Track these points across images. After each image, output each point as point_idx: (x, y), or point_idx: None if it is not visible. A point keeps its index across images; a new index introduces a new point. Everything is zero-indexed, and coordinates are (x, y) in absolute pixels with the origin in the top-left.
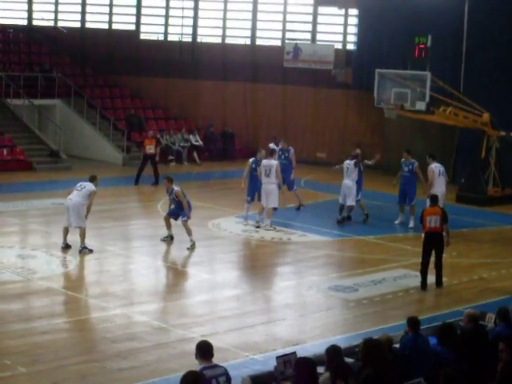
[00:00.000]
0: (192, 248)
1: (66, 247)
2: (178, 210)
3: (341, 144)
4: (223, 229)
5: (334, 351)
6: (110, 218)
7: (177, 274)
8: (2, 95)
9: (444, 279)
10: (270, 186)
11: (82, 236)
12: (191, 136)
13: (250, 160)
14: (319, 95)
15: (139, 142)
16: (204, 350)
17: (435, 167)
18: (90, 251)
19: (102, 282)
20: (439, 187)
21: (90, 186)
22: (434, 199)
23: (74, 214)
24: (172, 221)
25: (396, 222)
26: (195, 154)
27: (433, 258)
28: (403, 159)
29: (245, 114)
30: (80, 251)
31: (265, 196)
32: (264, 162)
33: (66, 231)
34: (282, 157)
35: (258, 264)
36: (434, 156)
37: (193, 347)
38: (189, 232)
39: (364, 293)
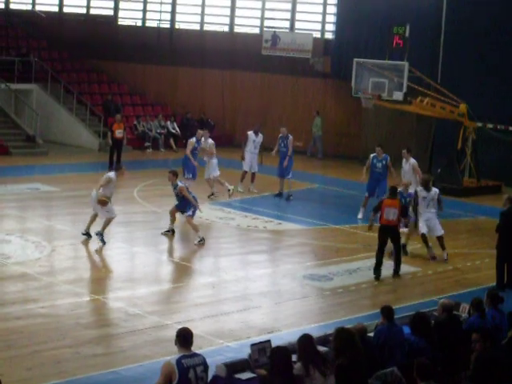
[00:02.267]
0: (200, 244)
1: (86, 235)
2: (185, 204)
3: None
4: (199, 216)
5: (305, 340)
6: (85, 204)
7: (152, 261)
8: None
9: (418, 269)
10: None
11: (106, 224)
12: (168, 123)
13: (193, 140)
14: (297, 84)
15: None
16: (184, 337)
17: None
18: (103, 242)
19: (77, 268)
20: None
21: (108, 174)
22: (394, 191)
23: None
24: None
25: (359, 217)
26: (172, 141)
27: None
28: (374, 154)
29: (222, 101)
30: (96, 234)
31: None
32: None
33: (92, 218)
34: (282, 144)
35: (233, 252)
36: (411, 150)
37: (167, 334)
38: (194, 228)
39: (339, 282)
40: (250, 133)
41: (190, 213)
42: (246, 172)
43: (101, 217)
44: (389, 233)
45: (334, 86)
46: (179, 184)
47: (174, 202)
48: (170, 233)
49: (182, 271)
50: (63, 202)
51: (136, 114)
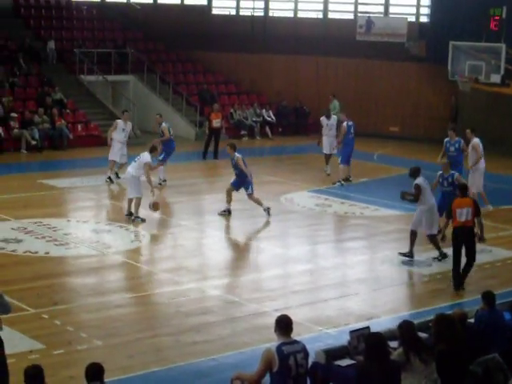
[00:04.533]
0: (268, 213)
1: (129, 214)
2: (241, 181)
3: (414, 118)
4: (296, 203)
5: (406, 326)
6: (182, 192)
7: (250, 249)
8: (76, 72)
9: None
10: None
11: (137, 206)
12: (263, 111)
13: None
14: (392, 68)
15: None
16: (284, 324)
17: (479, 141)
18: (143, 221)
19: (176, 257)
20: (483, 162)
21: (144, 158)
22: (464, 189)
23: (128, 184)
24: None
25: None
26: (268, 129)
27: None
28: (447, 138)
29: (317, 88)
30: (133, 220)
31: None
32: None
33: (128, 202)
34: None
35: (330, 239)
36: (475, 130)
37: (266, 321)
38: (259, 202)
39: (438, 268)
40: (322, 118)
41: (249, 191)
42: (327, 155)
43: (129, 197)
44: (464, 236)
45: (430, 70)
46: (236, 155)
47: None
48: (227, 213)
49: (279, 258)
50: (164, 191)
51: (231, 103)
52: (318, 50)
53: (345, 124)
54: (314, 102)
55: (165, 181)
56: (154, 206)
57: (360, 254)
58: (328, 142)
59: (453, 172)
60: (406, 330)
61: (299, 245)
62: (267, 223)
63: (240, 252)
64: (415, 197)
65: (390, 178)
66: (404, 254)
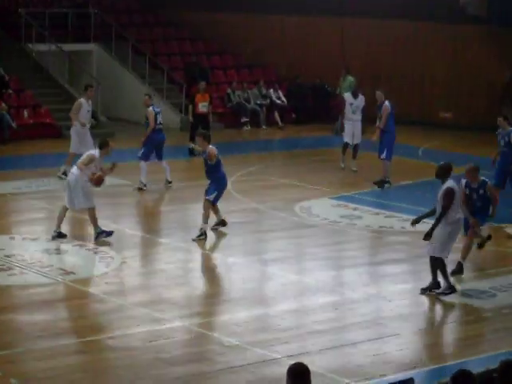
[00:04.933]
0: (199, 239)
1: (59, 236)
2: (217, 185)
3: (472, 100)
4: (315, 214)
5: (463, 378)
6: (162, 200)
7: (254, 275)
8: (21, 38)
9: None
10: None
11: (93, 218)
12: (271, 91)
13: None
14: (442, 34)
15: None
16: (299, 375)
17: None
18: (109, 234)
19: (155, 285)
20: None
21: (90, 152)
22: None
23: (74, 190)
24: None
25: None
26: (277, 115)
27: None
28: (500, 130)
29: (343, 60)
30: (96, 238)
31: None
32: None
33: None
34: (379, 114)
35: (361, 261)
36: (508, 118)
37: (276, 371)
38: (206, 215)
39: (504, 299)
40: (347, 95)
41: (209, 196)
42: (347, 144)
43: (77, 208)
44: None
45: (493, 36)
46: (210, 147)
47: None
48: (220, 226)
49: (293, 288)
50: (134, 198)
51: (229, 80)
52: (343, 8)
53: (387, 104)
54: (338, 77)
55: (170, 182)
56: (96, 179)
57: (400, 282)
58: (351, 128)
59: (483, 179)
60: (462, 383)
61: (319, 269)
62: (276, 240)
63: (240, 279)
64: (444, 208)
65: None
66: (432, 289)
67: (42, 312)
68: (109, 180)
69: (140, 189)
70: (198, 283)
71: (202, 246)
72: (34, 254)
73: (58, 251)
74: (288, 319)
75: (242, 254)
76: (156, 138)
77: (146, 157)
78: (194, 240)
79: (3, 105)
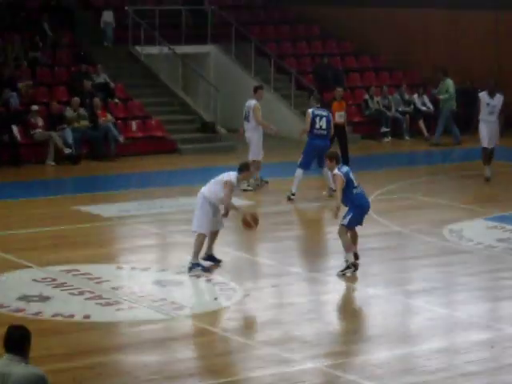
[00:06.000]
0: (344, 273)
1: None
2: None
3: None
4: (467, 238)
5: None
6: (290, 223)
7: (397, 308)
8: (128, 40)
9: None
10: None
11: (197, 247)
12: (415, 96)
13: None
14: None
15: None
16: None
17: None
18: (206, 270)
19: (283, 322)
20: None
21: (229, 176)
22: None
23: (196, 212)
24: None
25: None
26: (421, 123)
27: None
28: None
29: (496, 59)
30: (190, 268)
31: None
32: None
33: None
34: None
35: None
36: None
37: None
38: (343, 244)
39: None
40: (482, 94)
41: (344, 220)
42: (485, 149)
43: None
44: None
45: None
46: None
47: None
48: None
49: (443, 323)
50: (260, 222)
51: (366, 85)
52: (498, 0)
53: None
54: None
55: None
56: (248, 221)
57: None
58: (488, 131)
59: None
60: None
61: (472, 302)
62: (423, 269)
63: (381, 314)
64: None
65: None
66: None
67: (154, 352)
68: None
69: (289, 198)
70: (333, 318)
71: (337, 277)
72: (145, 286)
73: (172, 283)
74: (436, 359)
75: (383, 285)
76: (316, 144)
77: (304, 165)
78: (338, 275)
79: (109, 116)
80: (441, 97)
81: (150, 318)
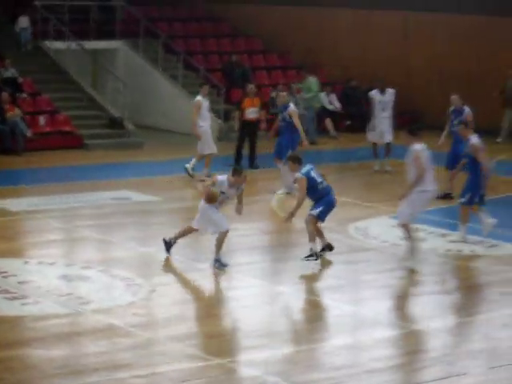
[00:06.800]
0: (308, 260)
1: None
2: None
3: None
4: (372, 236)
5: None
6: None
7: (304, 305)
8: (37, 35)
9: None
10: None
11: (218, 244)
12: (323, 94)
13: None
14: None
15: None
16: None
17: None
18: (223, 266)
19: (189, 318)
20: None
21: (220, 177)
22: None
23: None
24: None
25: None
26: (328, 122)
27: None
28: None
29: (405, 60)
30: (214, 264)
31: None
32: None
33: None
34: (454, 120)
35: (424, 290)
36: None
37: None
38: (312, 236)
39: None
40: (374, 92)
41: (313, 211)
42: (375, 145)
43: (210, 233)
44: None
45: None
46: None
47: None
48: (326, 251)
49: (348, 320)
50: (165, 217)
51: (273, 83)
52: (405, 1)
53: (469, 111)
54: (402, 80)
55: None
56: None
57: (470, 314)
58: (381, 127)
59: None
60: None
61: (377, 299)
62: (329, 266)
63: (288, 310)
64: None
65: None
66: None
67: (60, 346)
68: (135, 197)
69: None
70: (238, 314)
71: (244, 272)
72: (51, 280)
73: (79, 277)
74: (342, 356)
75: (290, 282)
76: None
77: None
78: (302, 260)
79: (16, 110)
80: (305, 96)
81: (57, 312)
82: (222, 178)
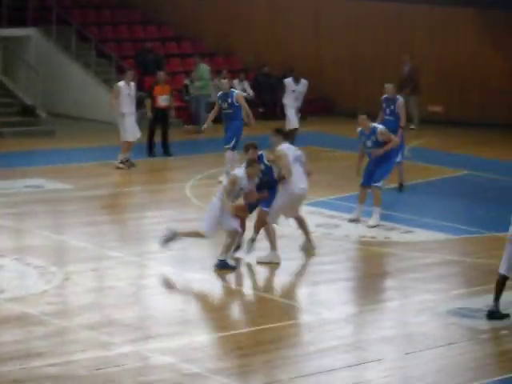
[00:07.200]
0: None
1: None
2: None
3: (466, 93)
4: (287, 223)
5: None
6: (113, 208)
7: (218, 292)
8: None
9: None
10: None
11: (228, 244)
12: (236, 81)
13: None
14: (433, 16)
15: None
16: None
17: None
18: (233, 268)
19: (103, 305)
20: None
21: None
22: None
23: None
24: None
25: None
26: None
27: None
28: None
29: (316, 46)
30: (217, 265)
31: None
32: None
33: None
34: (387, 110)
35: (339, 276)
36: None
37: None
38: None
39: (501, 320)
40: (288, 80)
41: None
42: (296, 130)
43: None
44: None
45: (494, 18)
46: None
47: None
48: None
49: (261, 307)
50: (78, 205)
51: (187, 70)
52: None
53: (402, 100)
54: (313, 68)
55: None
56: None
57: (385, 300)
58: (295, 115)
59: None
60: None
61: (292, 286)
62: (243, 253)
63: (200, 298)
64: None
65: (429, 184)
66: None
67: None
68: (48, 184)
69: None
70: (152, 302)
71: (157, 260)
72: None
73: None
74: (253, 342)
75: (204, 269)
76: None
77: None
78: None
79: None
80: (196, 84)
81: None
82: (241, 174)
